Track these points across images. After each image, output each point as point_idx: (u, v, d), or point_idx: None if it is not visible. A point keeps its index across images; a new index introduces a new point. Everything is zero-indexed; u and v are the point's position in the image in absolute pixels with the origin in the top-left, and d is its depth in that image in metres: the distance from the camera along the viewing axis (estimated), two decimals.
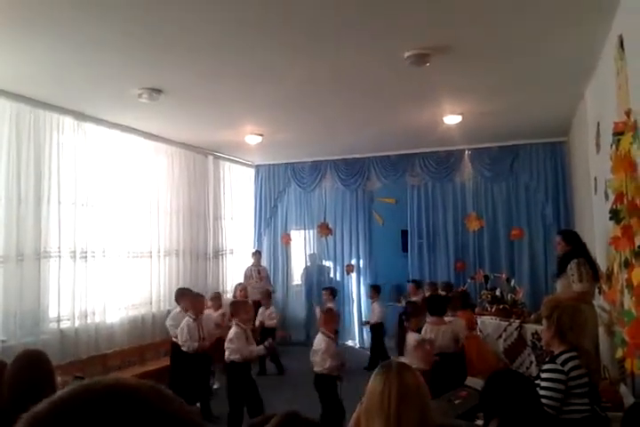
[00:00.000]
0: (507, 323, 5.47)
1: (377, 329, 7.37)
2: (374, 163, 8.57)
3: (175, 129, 6.66)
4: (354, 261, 8.78)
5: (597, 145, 4.60)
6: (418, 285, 7.29)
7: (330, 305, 6.89)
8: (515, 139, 7.55)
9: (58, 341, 5.26)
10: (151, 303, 6.71)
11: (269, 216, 9.34)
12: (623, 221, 3.09)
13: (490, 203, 7.99)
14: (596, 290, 4.48)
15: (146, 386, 0.61)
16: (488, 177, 7.99)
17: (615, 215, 3.20)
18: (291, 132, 6.94)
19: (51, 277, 5.26)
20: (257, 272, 8.28)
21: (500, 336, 5.46)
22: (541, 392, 2.53)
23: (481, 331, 5.65)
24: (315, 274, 9.05)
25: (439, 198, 8.28)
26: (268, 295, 7.42)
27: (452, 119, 6.13)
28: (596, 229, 4.98)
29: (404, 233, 8.56)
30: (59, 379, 2.41)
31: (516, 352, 5.32)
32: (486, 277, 6.89)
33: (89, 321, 5.69)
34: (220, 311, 6.49)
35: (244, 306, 4.98)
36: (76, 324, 5.54)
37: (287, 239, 9.23)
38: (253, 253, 8.59)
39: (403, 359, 4.07)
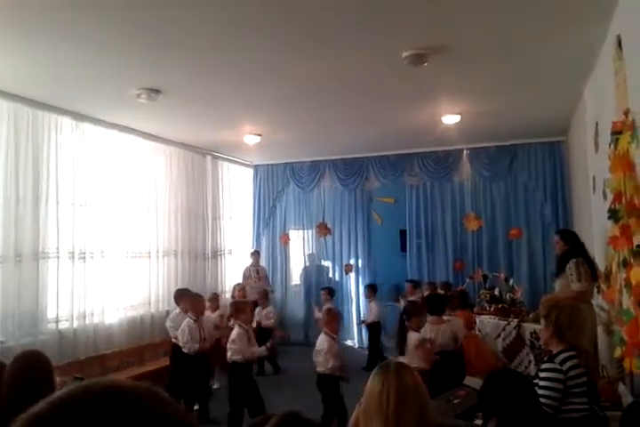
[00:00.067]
0: (505, 322, 5.48)
1: (374, 328, 7.38)
2: (373, 162, 8.57)
3: (174, 129, 6.65)
4: (352, 261, 8.78)
5: (596, 144, 4.60)
6: (415, 284, 7.30)
7: (328, 305, 6.89)
8: (513, 138, 7.56)
9: (56, 341, 5.25)
10: (150, 304, 6.70)
11: (268, 216, 9.33)
12: (621, 221, 3.09)
13: (488, 202, 7.99)
14: (595, 289, 4.48)
15: (141, 388, 0.62)
16: (487, 177, 7.99)
17: (614, 215, 3.20)
18: (289, 132, 6.94)
19: (49, 277, 5.25)
20: (255, 272, 8.27)
21: (499, 335, 5.47)
22: (540, 392, 2.53)
23: (480, 330, 5.66)
24: (313, 274, 9.05)
25: (438, 198, 8.28)
26: (264, 295, 7.40)
27: (450, 119, 6.13)
28: (595, 229, 4.98)
29: (403, 233, 8.56)
30: (57, 379, 2.41)
31: (515, 351, 5.33)
32: (485, 277, 6.90)
33: (87, 322, 5.68)
34: (217, 313, 6.48)
35: (246, 306, 4.97)
36: (75, 324, 5.54)
37: (286, 239, 9.23)
38: (252, 254, 8.58)
39: (403, 359, 4.07)
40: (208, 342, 5.40)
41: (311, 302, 8.64)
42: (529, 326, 5.22)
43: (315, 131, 6.93)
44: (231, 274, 8.52)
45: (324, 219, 8.91)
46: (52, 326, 5.29)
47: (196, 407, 5.10)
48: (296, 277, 9.31)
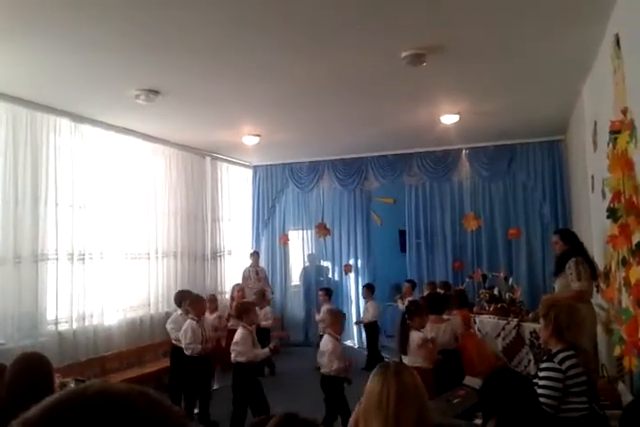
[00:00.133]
0: (505, 322, 5.49)
1: (371, 328, 7.38)
2: (372, 163, 8.57)
3: (172, 130, 6.65)
4: (352, 262, 8.77)
5: (594, 143, 4.60)
6: (413, 285, 7.30)
7: (326, 306, 6.89)
8: (512, 138, 7.55)
9: (56, 343, 5.24)
10: (149, 305, 6.69)
11: (267, 217, 9.33)
12: (620, 220, 3.10)
13: (487, 202, 7.99)
14: (595, 288, 4.49)
15: (134, 391, 0.62)
16: (485, 176, 7.99)
17: (612, 214, 3.20)
18: (288, 133, 6.94)
19: (48, 279, 5.24)
20: (255, 273, 8.27)
21: (499, 335, 5.47)
22: (539, 391, 2.53)
23: (479, 330, 5.66)
24: (313, 274, 9.05)
25: (437, 198, 8.28)
26: (262, 295, 7.38)
27: (449, 119, 6.14)
28: (594, 228, 4.98)
29: (402, 233, 8.56)
30: (57, 381, 2.41)
31: (515, 351, 5.33)
32: (484, 277, 6.90)
33: (87, 323, 5.68)
34: (215, 314, 6.44)
35: (251, 307, 4.96)
36: (74, 326, 5.53)
37: (285, 240, 9.22)
38: (251, 254, 8.56)
39: (406, 358, 4.07)
40: (210, 344, 5.39)
41: (311, 302, 8.64)
42: (528, 326, 5.23)
43: (314, 131, 6.93)
44: (231, 275, 8.50)
45: (323, 219, 8.90)
46: (51, 327, 5.28)
47: (196, 411, 5.07)
48: (295, 278, 9.31)
